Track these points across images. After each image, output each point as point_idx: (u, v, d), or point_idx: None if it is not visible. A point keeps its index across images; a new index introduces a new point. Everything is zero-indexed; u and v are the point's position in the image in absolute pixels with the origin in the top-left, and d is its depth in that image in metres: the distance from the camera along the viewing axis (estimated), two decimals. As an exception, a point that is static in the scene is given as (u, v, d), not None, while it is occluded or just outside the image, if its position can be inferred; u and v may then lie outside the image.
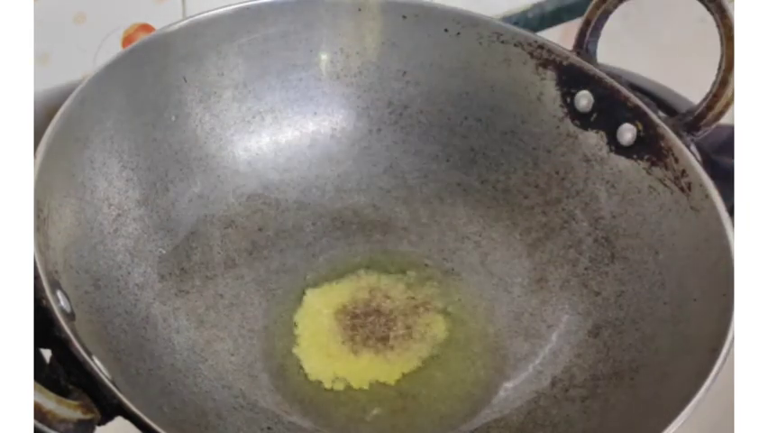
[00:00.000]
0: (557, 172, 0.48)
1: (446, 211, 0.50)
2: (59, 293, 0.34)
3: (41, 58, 0.47)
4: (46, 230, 0.36)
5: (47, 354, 0.32)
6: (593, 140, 0.47)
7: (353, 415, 0.41)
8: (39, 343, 0.31)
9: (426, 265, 0.48)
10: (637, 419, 0.38)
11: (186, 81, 0.46)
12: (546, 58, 0.47)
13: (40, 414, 0.28)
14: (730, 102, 0.43)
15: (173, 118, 0.46)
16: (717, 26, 0.42)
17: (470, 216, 0.49)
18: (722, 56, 0.42)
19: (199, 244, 0.45)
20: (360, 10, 0.49)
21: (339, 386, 0.42)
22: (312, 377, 0.42)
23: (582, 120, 0.47)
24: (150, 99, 0.45)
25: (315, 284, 0.46)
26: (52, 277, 0.34)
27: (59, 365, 0.31)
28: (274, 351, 0.43)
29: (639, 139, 0.45)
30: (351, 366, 0.43)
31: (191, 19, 0.45)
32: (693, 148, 0.43)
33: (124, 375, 0.36)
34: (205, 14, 0.46)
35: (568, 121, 0.47)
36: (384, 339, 0.44)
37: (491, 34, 0.48)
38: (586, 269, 0.46)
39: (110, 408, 0.31)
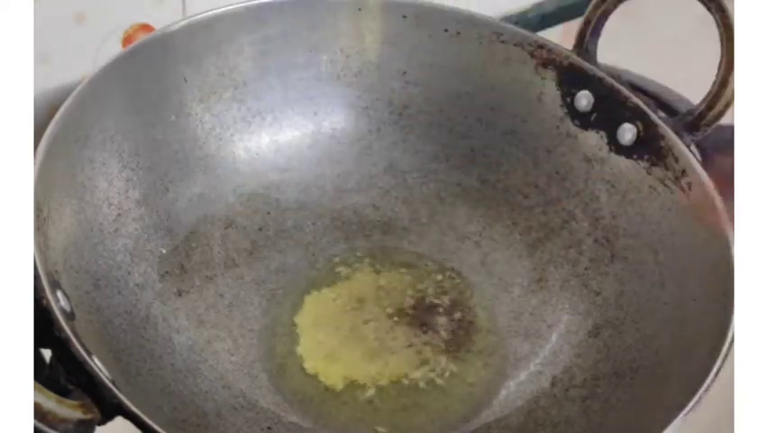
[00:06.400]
0: (557, 172, 0.48)
1: (446, 211, 0.50)
2: (59, 293, 0.34)
3: (41, 58, 0.47)
4: (46, 230, 0.36)
5: (47, 354, 0.32)
6: (593, 140, 0.47)
7: (354, 415, 0.41)
8: (39, 343, 0.31)
9: (426, 265, 0.48)
10: (637, 419, 0.38)
11: (186, 81, 0.46)
12: (546, 58, 0.47)
13: (40, 414, 0.28)
14: (730, 102, 0.43)
15: (173, 118, 0.46)
16: (718, 26, 0.42)
17: (470, 216, 0.49)
18: (722, 56, 0.42)
19: (199, 244, 0.45)
20: (360, 10, 0.49)
21: (339, 386, 0.42)
22: (312, 377, 0.42)
23: (582, 120, 0.47)
24: (150, 99, 0.45)
25: (315, 284, 0.46)
26: (52, 277, 0.34)
27: (59, 365, 0.31)
28: (274, 351, 0.43)
29: (639, 139, 0.45)
30: (351, 366, 0.43)
31: (191, 19, 0.45)
32: (693, 148, 0.43)
33: (124, 375, 0.36)
34: (205, 14, 0.46)
35: (568, 121, 0.47)
36: (384, 339, 0.44)
37: (491, 34, 0.48)
38: (586, 269, 0.46)
39: (110, 408, 0.31)
